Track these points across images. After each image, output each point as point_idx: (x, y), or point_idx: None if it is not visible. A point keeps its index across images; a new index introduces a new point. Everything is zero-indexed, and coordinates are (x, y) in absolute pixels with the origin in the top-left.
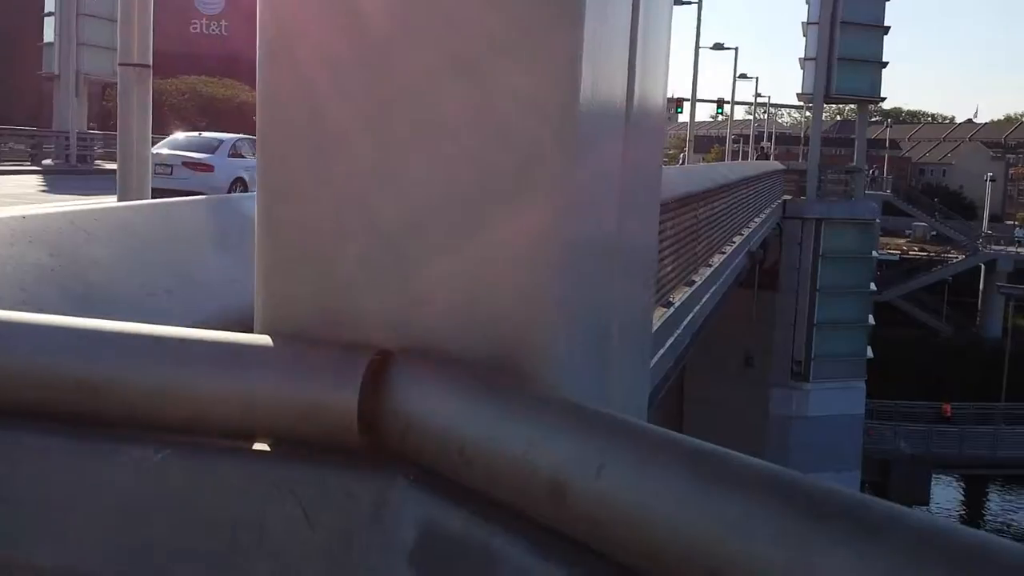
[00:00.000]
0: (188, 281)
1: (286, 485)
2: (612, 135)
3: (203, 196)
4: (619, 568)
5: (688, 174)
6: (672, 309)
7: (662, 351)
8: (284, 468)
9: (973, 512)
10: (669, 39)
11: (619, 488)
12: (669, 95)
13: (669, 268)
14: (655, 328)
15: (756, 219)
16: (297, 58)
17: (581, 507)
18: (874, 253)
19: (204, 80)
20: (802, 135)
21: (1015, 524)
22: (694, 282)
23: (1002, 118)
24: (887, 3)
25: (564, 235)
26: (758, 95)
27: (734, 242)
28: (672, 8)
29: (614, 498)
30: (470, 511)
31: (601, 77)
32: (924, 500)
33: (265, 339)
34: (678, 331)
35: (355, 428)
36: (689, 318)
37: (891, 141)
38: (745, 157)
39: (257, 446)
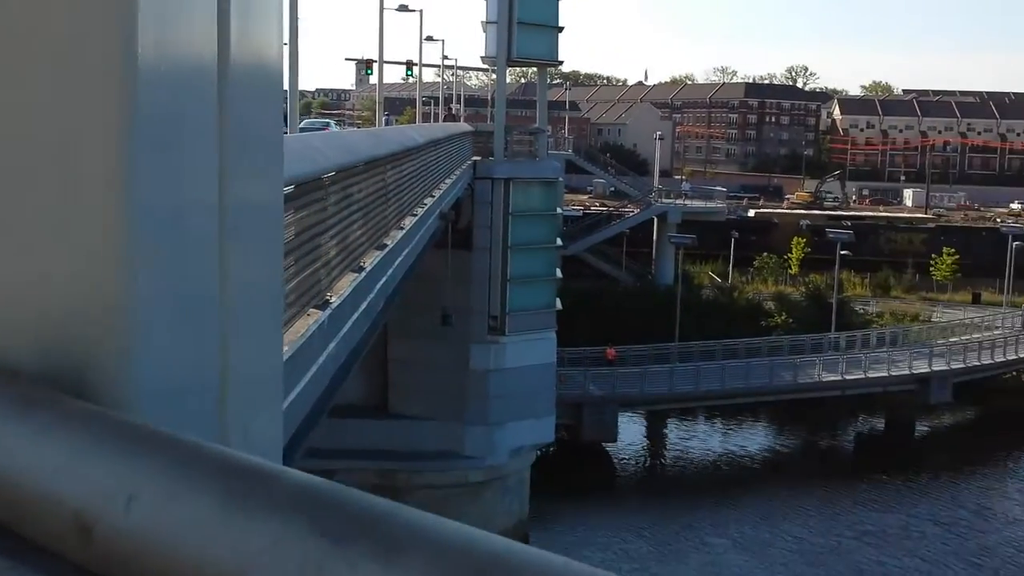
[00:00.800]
0: None
1: None
2: (196, 97)
3: None
4: None
5: (376, 137)
6: (363, 274)
7: (355, 315)
8: None
9: (656, 444)
10: None
11: (149, 522)
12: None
13: (359, 233)
14: (345, 294)
15: (447, 180)
16: None
17: (110, 545)
18: (559, 210)
19: None
20: (489, 97)
21: (690, 450)
22: (386, 246)
23: (668, 80)
24: None
25: (133, 218)
26: (445, 57)
27: (425, 204)
28: None
29: (144, 534)
30: None
31: (172, 29)
32: (612, 438)
33: None
34: (371, 295)
35: None
36: (383, 281)
37: (571, 103)
38: (436, 119)
39: None
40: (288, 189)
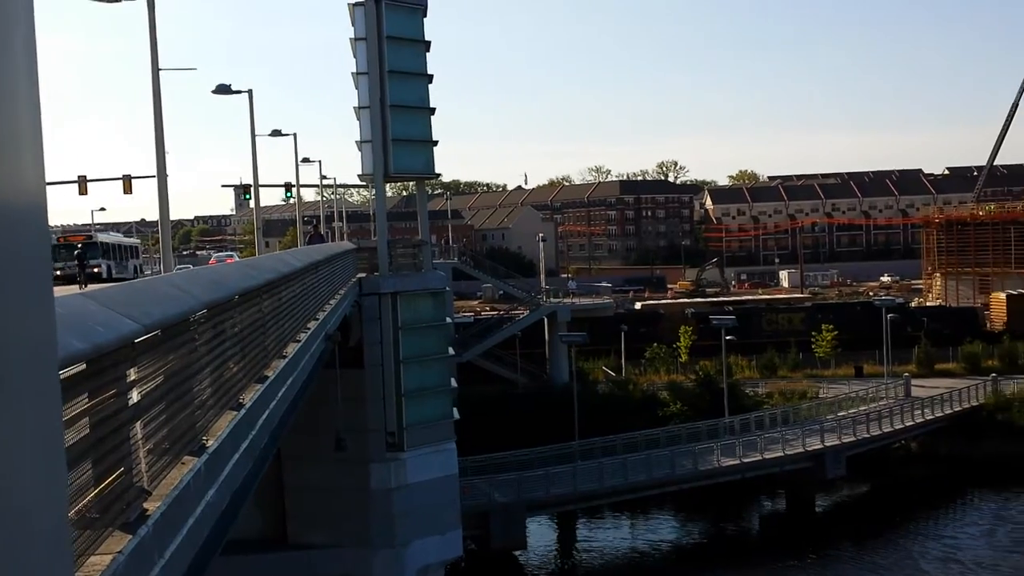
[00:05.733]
0: None
1: None
2: None
3: None
4: None
5: (251, 267)
6: (243, 411)
7: (237, 456)
8: None
9: (566, 545)
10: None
11: None
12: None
13: (235, 369)
14: (223, 435)
15: (331, 301)
16: None
17: None
18: (449, 319)
19: None
20: (371, 213)
21: (600, 548)
22: (267, 377)
23: (547, 183)
24: (430, 85)
25: None
26: (324, 177)
27: (309, 328)
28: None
29: None
30: None
31: None
32: (522, 544)
33: None
34: (253, 432)
35: None
36: (265, 415)
37: (453, 211)
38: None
39: None
40: (152, 334)
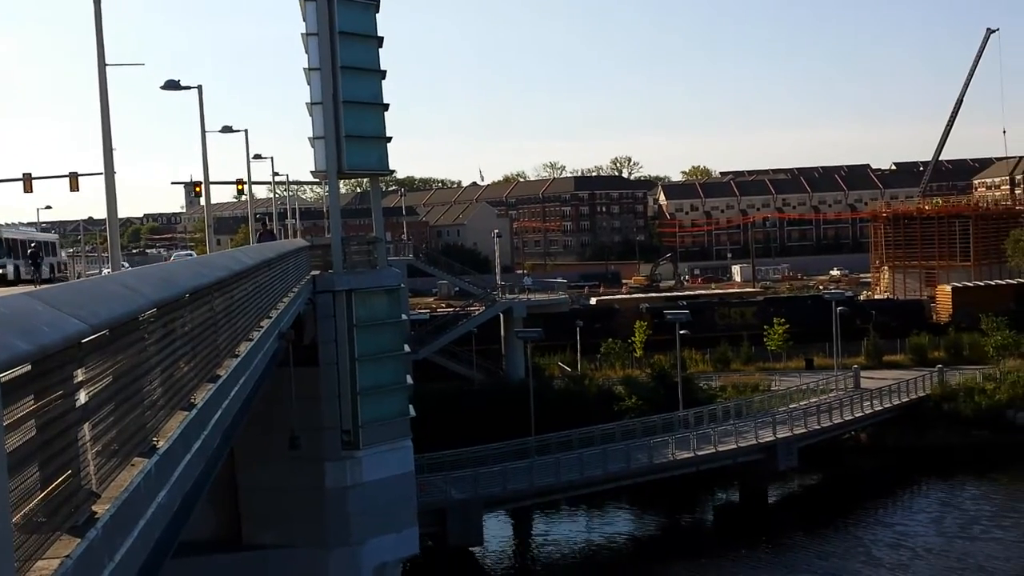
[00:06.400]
0: None
1: None
2: None
3: None
4: None
5: (202, 265)
6: (194, 411)
7: (189, 456)
8: None
9: (523, 541)
10: None
11: None
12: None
13: (186, 368)
14: (174, 436)
15: (284, 299)
16: None
17: None
18: (404, 316)
19: None
20: (325, 210)
21: (558, 543)
22: (219, 377)
23: (502, 179)
24: (383, 81)
25: None
26: (276, 174)
27: (262, 326)
28: None
29: None
30: None
31: None
32: (479, 540)
33: None
34: (205, 432)
35: None
36: (218, 415)
37: (408, 208)
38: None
39: None
40: (100, 334)
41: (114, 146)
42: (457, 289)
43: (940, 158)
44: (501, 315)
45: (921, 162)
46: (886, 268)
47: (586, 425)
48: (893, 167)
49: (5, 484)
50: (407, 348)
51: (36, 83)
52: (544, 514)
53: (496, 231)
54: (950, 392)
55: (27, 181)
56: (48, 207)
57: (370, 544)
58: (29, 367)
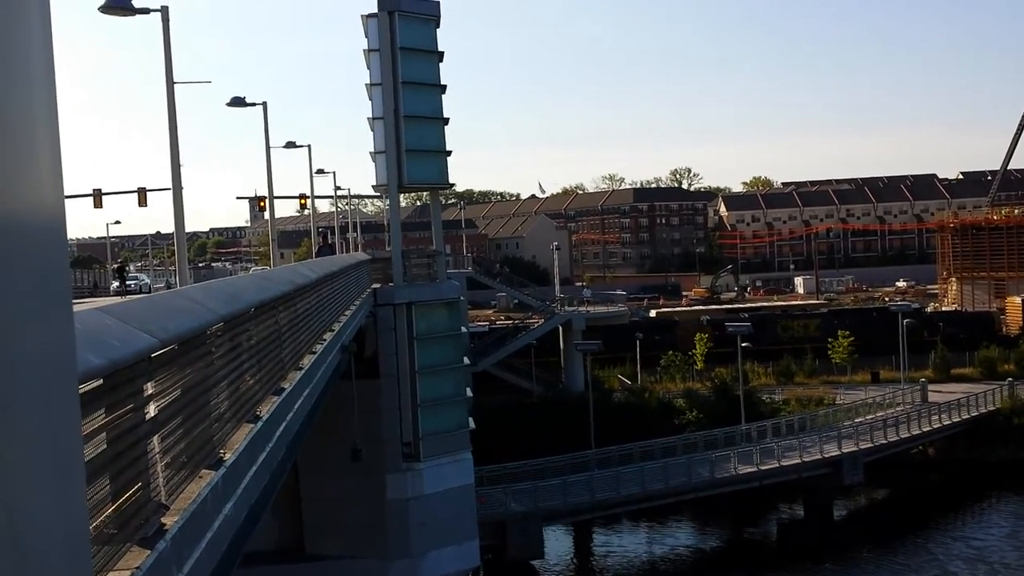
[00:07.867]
0: None
1: None
2: None
3: None
4: None
5: (265, 280)
6: (260, 424)
7: (254, 469)
8: None
9: (583, 554)
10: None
11: None
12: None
13: (252, 381)
14: (240, 448)
15: (345, 313)
16: None
17: None
18: (464, 329)
19: None
20: (385, 223)
21: (618, 557)
22: (283, 389)
23: (560, 191)
24: (443, 95)
25: None
26: (338, 188)
27: (325, 339)
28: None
29: None
30: None
31: None
32: (539, 553)
33: None
34: (270, 444)
35: None
36: (282, 428)
37: (467, 221)
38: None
39: None
40: (169, 348)
41: (181, 162)
42: (516, 302)
43: (1008, 167)
44: (560, 327)
45: (989, 171)
46: (954, 279)
47: (646, 438)
48: (960, 176)
49: (83, 496)
50: (467, 360)
51: (105, 98)
52: (604, 527)
53: (555, 243)
54: (1021, 406)
55: (97, 197)
56: (117, 222)
57: (430, 556)
58: (101, 381)
